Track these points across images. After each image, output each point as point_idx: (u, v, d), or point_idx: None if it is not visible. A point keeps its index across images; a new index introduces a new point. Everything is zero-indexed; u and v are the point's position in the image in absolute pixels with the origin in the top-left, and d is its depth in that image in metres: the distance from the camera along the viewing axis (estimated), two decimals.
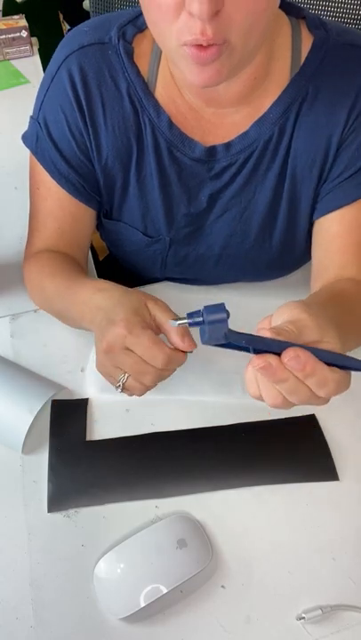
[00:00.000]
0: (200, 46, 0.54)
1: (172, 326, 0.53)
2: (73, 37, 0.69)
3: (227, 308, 0.46)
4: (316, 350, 0.47)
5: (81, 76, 0.67)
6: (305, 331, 0.47)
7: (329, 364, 0.47)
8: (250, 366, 0.48)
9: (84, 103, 0.69)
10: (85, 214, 0.77)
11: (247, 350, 0.47)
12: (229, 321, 0.46)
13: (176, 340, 0.59)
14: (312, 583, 0.59)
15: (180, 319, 0.48)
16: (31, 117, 0.74)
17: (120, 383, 0.60)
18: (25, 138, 0.75)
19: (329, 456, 0.67)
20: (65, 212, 0.76)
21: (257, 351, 0.46)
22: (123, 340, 0.58)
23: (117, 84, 0.68)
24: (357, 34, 0.68)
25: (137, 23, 0.68)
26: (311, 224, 0.75)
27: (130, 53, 0.68)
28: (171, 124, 0.69)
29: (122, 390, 0.61)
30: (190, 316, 0.47)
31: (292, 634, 0.56)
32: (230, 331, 0.46)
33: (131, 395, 0.63)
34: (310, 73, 0.66)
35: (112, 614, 0.56)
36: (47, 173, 0.73)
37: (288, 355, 0.45)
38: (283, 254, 0.79)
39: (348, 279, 0.70)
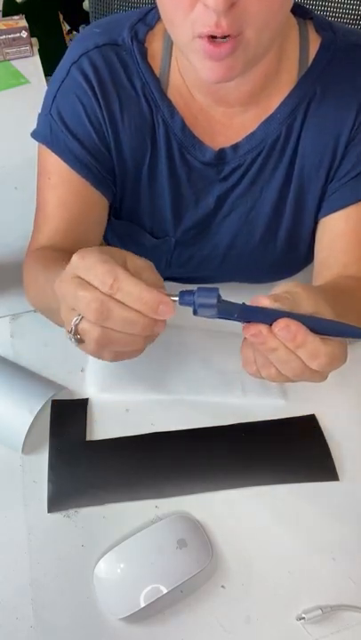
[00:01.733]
0: (214, 42, 0.54)
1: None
2: (86, 37, 0.69)
3: (220, 293, 0.46)
4: (311, 319, 0.46)
5: (96, 75, 0.67)
6: (300, 302, 0.47)
7: (325, 335, 0.47)
8: (245, 343, 0.48)
9: (101, 100, 0.68)
10: (98, 204, 0.74)
11: (240, 322, 0.47)
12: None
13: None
14: (312, 583, 0.58)
15: (172, 296, 0.47)
16: (40, 115, 0.73)
17: (72, 326, 0.48)
18: (36, 133, 0.73)
19: (329, 456, 0.67)
20: (77, 198, 0.72)
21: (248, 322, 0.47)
22: (74, 269, 0.47)
23: (133, 84, 0.68)
24: None
25: (147, 20, 0.69)
26: (316, 223, 0.75)
27: (143, 54, 0.68)
28: (184, 126, 0.69)
29: (77, 341, 0.49)
30: (182, 295, 0.47)
31: (292, 634, 0.56)
32: (222, 302, 0.46)
33: (88, 349, 0.50)
34: (318, 73, 0.66)
35: (112, 614, 0.56)
36: (61, 161, 0.70)
37: (278, 325, 0.45)
38: (287, 255, 0.79)
39: (349, 277, 0.70)
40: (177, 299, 0.47)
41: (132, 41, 0.67)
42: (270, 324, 0.46)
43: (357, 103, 0.66)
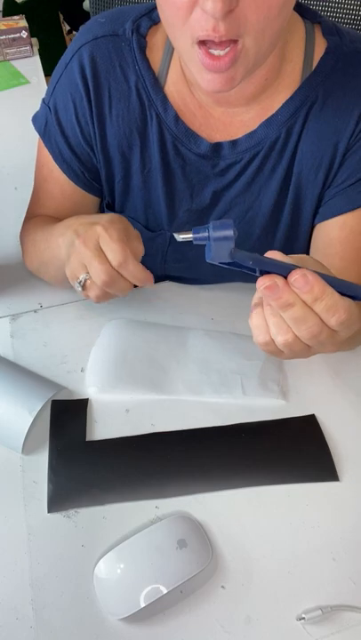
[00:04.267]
0: (212, 55, 0.54)
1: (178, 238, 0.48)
2: (89, 28, 0.70)
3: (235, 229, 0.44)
4: (326, 277, 0.44)
5: (92, 67, 0.69)
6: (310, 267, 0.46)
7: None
8: (256, 311, 0.47)
9: (92, 94, 0.70)
10: (85, 200, 0.79)
11: (253, 272, 0.45)
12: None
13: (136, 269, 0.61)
14: (312, 583, 0.58)
15: (185, 233, 0.45)
16: (43, 100, 0.76)
17: (81, 279, 0.62)
18: (35, 119, 0.76)
19: (329, 456, 0.67)
20: (65, 195, 0.78)
21: (263, 273, 0.44)
22: (97, 236, 0.61)
23: (127, 77, 0.69)
24: None
25: (152, 16, 0.69)
26: (313, 228, 0.75)
27: (142, 47, 0.68)
28: (177, 119, 0.70)
29: (82, 290, 0.63)
30: (196, 231, 0.44)
31: (292, 634, 0.55)
32: (237, 250, 0.44)
33: (88, 297, 0.65)
34: (322, 77, 0.66)
35: (112, 614, 0.56)
36: (52, 158, 0.75)
37: (294, 275, 0.43)
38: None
39: None
40: (191, 235, 0.44)
41: (132, 33, 0.68)
42: (286, 277, 0.43)
43: (358, 111, 0.66)
